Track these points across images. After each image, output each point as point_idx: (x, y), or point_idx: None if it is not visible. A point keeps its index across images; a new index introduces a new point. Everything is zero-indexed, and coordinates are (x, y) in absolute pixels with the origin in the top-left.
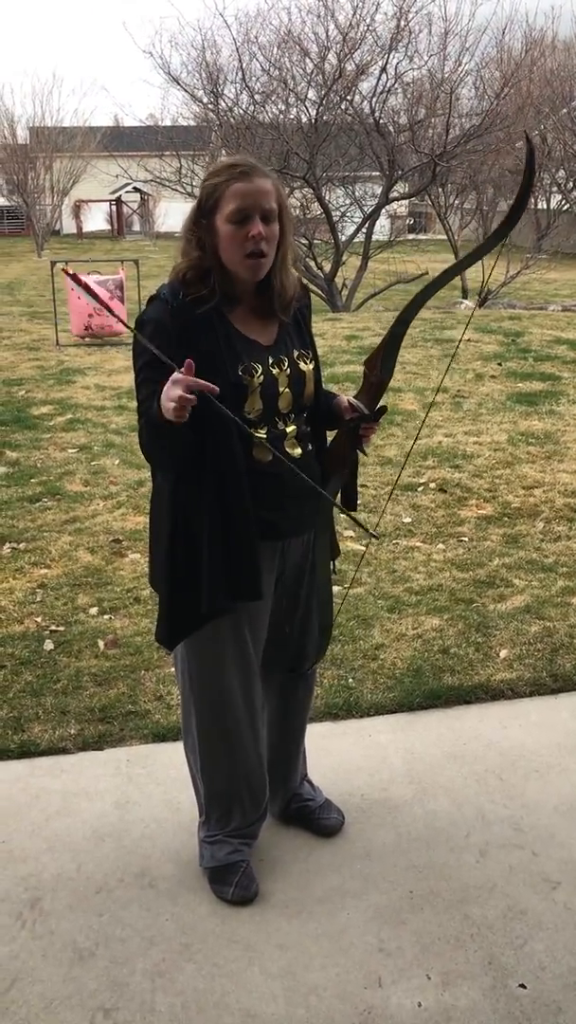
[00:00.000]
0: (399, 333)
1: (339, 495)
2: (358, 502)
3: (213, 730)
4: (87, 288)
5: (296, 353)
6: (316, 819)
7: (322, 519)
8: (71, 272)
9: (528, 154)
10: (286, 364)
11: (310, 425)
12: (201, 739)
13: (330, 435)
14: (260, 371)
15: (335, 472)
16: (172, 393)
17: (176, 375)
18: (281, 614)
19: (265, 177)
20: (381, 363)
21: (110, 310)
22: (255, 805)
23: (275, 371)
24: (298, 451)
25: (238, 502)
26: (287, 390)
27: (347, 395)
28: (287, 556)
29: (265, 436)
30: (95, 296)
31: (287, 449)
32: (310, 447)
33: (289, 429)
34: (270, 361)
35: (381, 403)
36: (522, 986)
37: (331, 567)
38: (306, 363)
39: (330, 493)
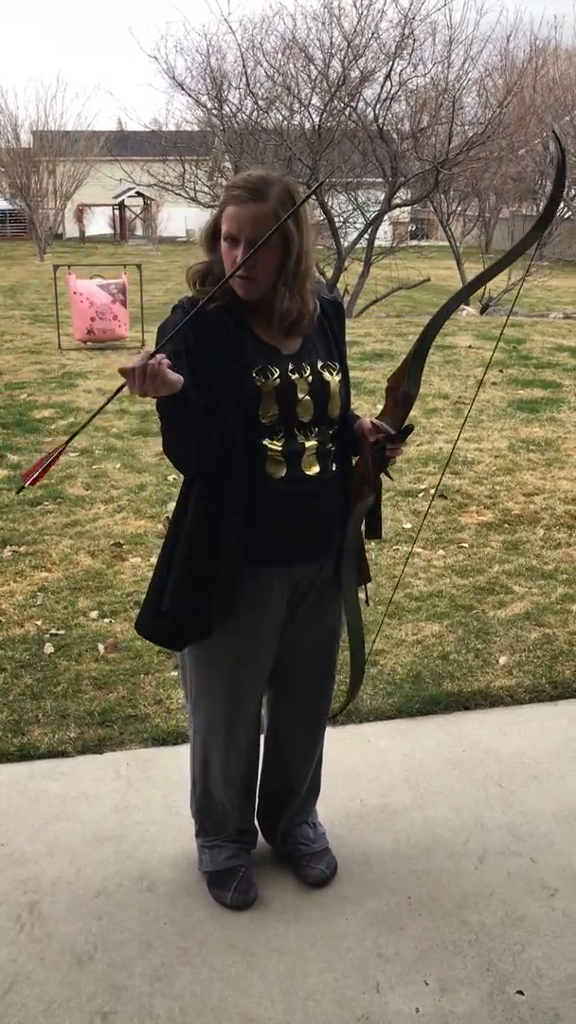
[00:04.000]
0: (423, 349)
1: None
2: (383, 529)
3: (203, 746)
4: None
5: (320, 363)
6: (303, 866)
7: (345, 545)
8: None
9: (559, 153)
10: (308, 371)
11: (336, 443)
12: (194, 749)
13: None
14: (276, 375)
15: (359, 498)
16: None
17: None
18: (288, 649)
19: (264, 202)
20: (408, 377)
21: None
22: (244, 824)
23: (294, 376)
24: (316, 469)
25: (231, 520)
26: (307, 398)
27: (369, 417)
28: (299, 583)
29: (280, 448)
30: None
31: (303, 468)
32: (335, 468)
33: (308, 444)
34: (289, 367)
35: (407, 422)
36: (520, 992)
37: (362, 597)
38: (331, 374)
39: (355, 521)
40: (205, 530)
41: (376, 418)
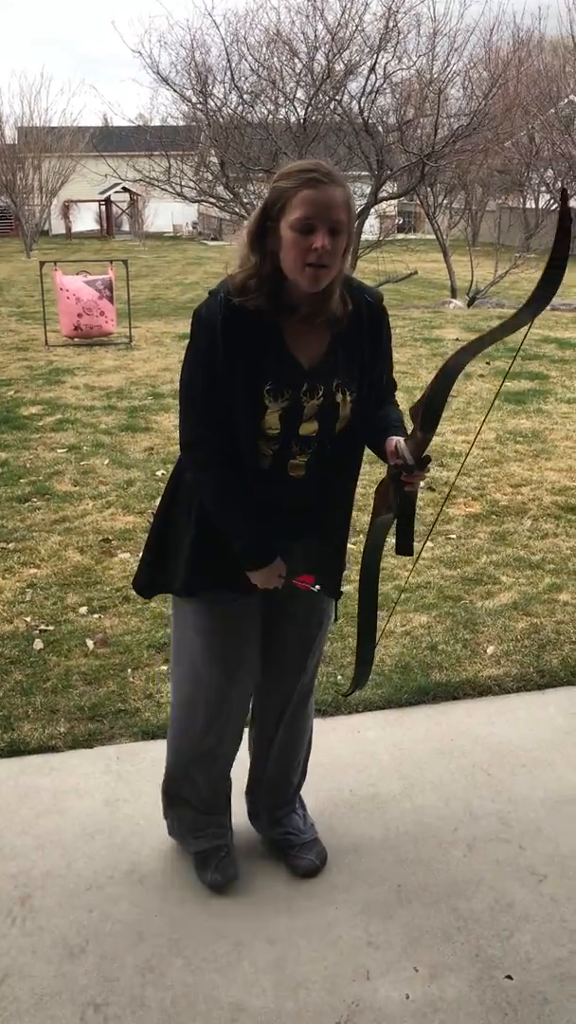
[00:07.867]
0: (441, 388)
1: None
2: (414, 544)
3: (184, 709)
4: None
5: (336, 383)
6: (292, 856)
7: (326, 551)
8: None
9: (562, 208)
10: (320, 393)
11: (332, 453)
12: (174, 713)
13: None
14: (287, 395)
15: (379, 515)
16: (271, 581)
17: (278, 571)
18: (272, 627)
19: (338, 186)
20: (421, 418)
21: None
22: (215, 802)
23: (304, 398)
24: (301, 472)
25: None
26: (314, 420)
27: (398, 437)
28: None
29: (271, 453)
30: None
31: (288, 470)
32: (320, 472)
33: (300, 455)
34: (303, 388)
35: (426, 454)
36: (508, 977)
37: (333, 610)
38: (344, 395)
39: (377, 534)
40: (191, 496)
41: (405, 439)
